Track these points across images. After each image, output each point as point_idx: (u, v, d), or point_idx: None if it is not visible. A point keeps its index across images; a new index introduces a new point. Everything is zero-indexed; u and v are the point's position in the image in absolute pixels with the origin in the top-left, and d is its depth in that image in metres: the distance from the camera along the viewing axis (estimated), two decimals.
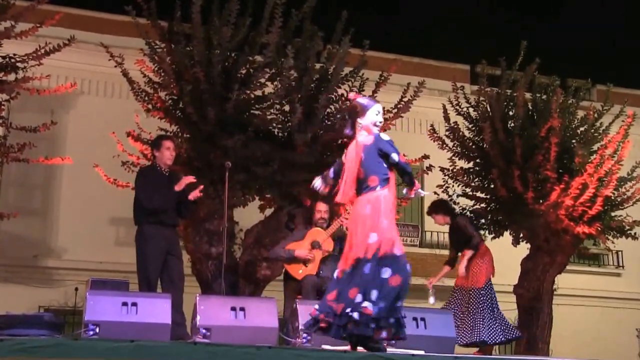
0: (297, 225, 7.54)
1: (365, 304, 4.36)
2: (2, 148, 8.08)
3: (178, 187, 6.02)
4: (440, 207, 7.71)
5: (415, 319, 5.67)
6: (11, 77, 7.86)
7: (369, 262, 4.44)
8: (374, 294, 4.38)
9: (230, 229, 7.52)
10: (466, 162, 9.13)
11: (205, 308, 5.38)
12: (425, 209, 8.42)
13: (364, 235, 4.50)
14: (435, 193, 8.31)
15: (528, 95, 9.19)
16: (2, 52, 7.86)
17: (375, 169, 4.59)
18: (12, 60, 7.81)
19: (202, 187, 6.24)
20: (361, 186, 4.61)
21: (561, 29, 22.55)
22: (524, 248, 9.24)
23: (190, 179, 6.09)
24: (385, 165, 4.61)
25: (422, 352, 4.81)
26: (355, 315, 4.34)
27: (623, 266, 14.79)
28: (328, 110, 7.75)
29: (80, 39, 9.22)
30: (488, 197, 9.04)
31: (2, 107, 8.06)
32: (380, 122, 4.77)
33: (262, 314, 5.45)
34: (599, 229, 8.39)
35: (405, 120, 13.11)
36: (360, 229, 4.53)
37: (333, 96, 7.78)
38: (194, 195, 6.11)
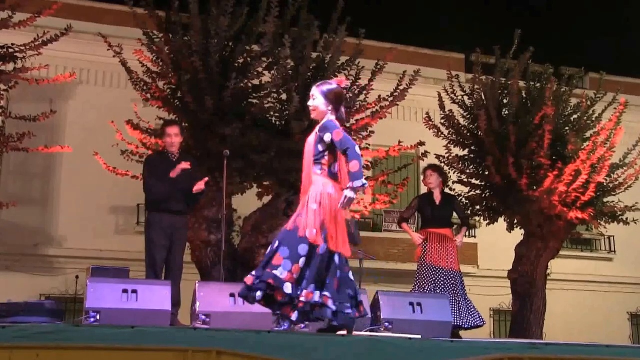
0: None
1: None
2: (1, 137, 8.12)
3: (173, 174, 6.08)
4: (442, 171, 7.61)
5: (412, 303, 5.79)
6: (10, 67, 7.92)
7: None
8: None
9: (228, 217, 7.61)
10: (461, 150, 9.21)
11: (204, 294, 5.49)
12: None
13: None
14: None
15: (522, 83, 9.27)
16: (0, 42, 7.91)
17: None
18: (11, 50, 7.85)
19: (207, 179, 6.28)
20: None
21: (555, 17, 22.56)
22: (518, 234, 9.36)
23: (185, 165, 6.10)
24: None
25: (419, 336, 4.92)
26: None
27: (615, 251, 14.93)
28: None
29: (78, 29, 9.26)
30: (483, 183, 9.14)
31: (1, 96, 8.09)
32: None
33: None
34: (592, 214, 8.51)
35: (401, 109, 13.21)
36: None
37: None
38: (198, 188, 6.15)
